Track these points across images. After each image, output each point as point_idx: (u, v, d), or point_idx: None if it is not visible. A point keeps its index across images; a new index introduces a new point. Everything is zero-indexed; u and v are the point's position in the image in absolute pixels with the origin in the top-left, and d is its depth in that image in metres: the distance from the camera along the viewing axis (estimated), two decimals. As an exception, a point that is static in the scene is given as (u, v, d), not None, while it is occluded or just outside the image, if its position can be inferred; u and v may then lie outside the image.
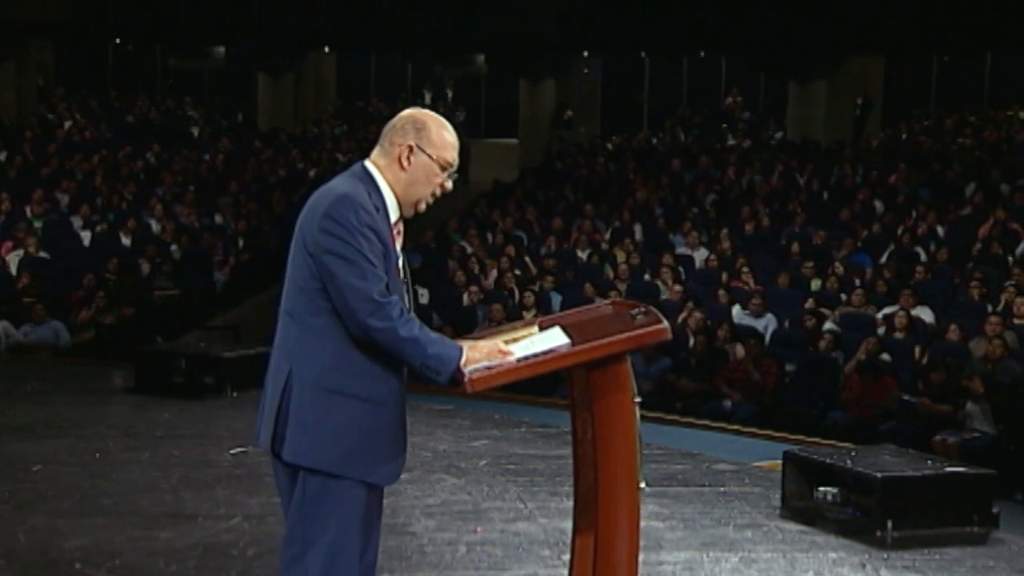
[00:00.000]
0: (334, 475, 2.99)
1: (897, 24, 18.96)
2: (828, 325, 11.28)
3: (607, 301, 3.71)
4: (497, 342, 3.18)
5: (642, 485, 3.24)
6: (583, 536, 3.37)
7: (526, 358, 3.15)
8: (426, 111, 3.17)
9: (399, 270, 3.09)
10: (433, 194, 3.13)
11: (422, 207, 3.15)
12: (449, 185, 3.14)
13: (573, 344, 3.22)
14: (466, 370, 3.14)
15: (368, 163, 3.13)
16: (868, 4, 18.87)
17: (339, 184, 3.06)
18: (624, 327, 3.26)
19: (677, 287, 12.51)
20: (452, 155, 3.12)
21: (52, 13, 20.79)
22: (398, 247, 3.09)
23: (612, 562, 3.28)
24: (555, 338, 3.28)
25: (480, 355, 3.07)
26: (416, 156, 3.08)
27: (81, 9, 21.25)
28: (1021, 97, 22.91)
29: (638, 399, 3.25)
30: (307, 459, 2.99)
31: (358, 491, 3.02)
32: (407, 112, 3.15)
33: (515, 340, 3.33)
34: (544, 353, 3.20)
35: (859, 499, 5.32)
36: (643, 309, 3.34)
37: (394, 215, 3.09)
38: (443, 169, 3.11)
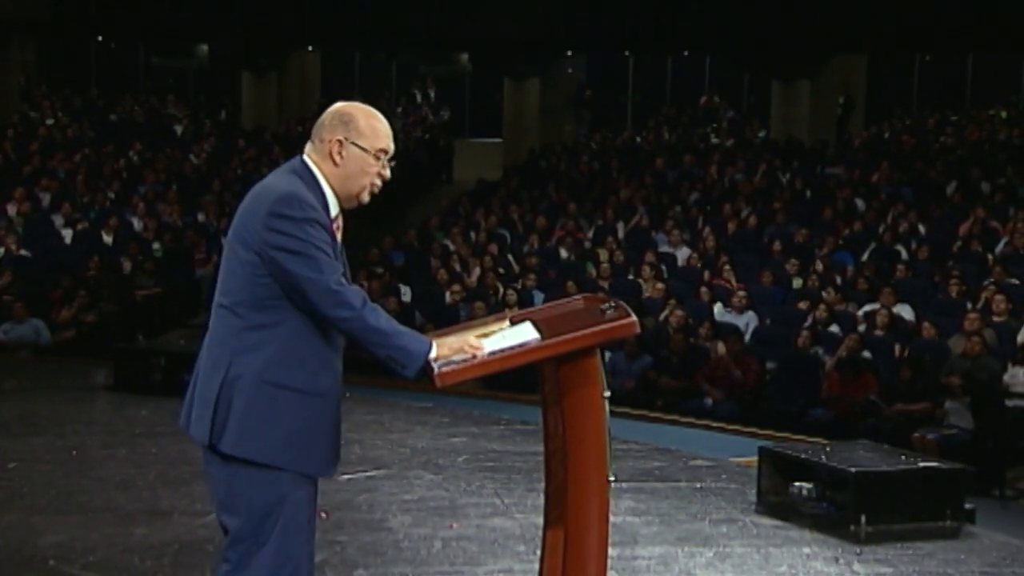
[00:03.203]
0: (278, 468, 2.97)
1: (880, 24, 19.03)
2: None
3: (578, 296, 3.72)
4: (467, 337, 3.18)
5: (611, 479, 3.26)
6: (553, 530, 3.38)
7: (495, 352, 3.16)
8: (354, 103, 3.13)
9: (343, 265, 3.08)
10: (373, 184, 3.10)
11: (365, 198, 3.11)
12: (387, 173, 3.11)
13: (543, 339, 3.23)
14: (436, 364, 3.16)
15: (306, 158, 3.08)
16: (851, 4, 18.94)
17: (279, 181, 3.02)
18: (593, 321, 3.28)
19: (659, 285, 12.54)
20: (384, 143, 3.08)
21: (34, 11, 20.69)
22: (338, 241, 3.07)
23: (582, 556, 3.30)
24: (525, 333, 3.29)
25: (449, 351, 3.07)
26: (347, 150, 3.04)
27: (63, 7, 21.15)
28: (1002, 97, 23.04)
29: (607, 393, 3.26)
30: (251, 453, 2.95)
31: (300, 484, 3.01)
32: (335, 106, 3.11)
33: (486, 335, 3.35)
34: (514, 347, 3.21)
35: (833, 494, 5.35)
36: (613, 304, 3.35)
37: (334, 210, 3.07)
38: (377, 158, 3.08)
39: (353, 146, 3.04)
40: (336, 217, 3.08)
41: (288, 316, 2.97)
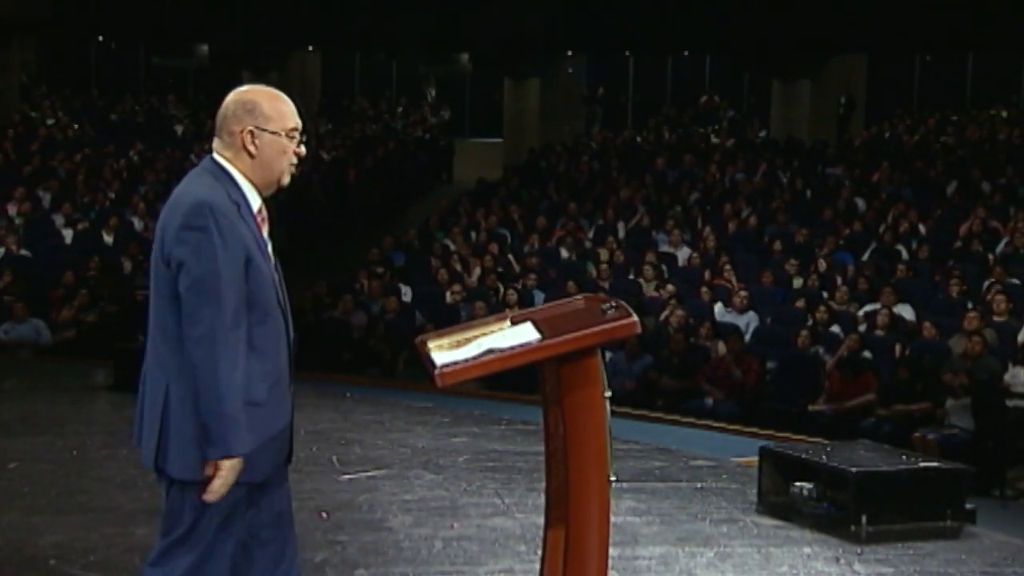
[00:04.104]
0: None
1: (880, 23, 19.04)
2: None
3: (579, 296, 3.72)
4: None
5: (612, 479, 3.26)
6: (554, 530, 3.38)
7: (491, 351, 3.17)
8: (252, 87, 3.06)
9: (268, 257, 3.01)
10: (291, 164, 3.05)
11: (285, 180, 3.05)
12: (302, 150, 3.06)
13: (544, 339, 3.24)
14: (438, 363, 3.18)
15: (217, 156, 3.01)
16: (851, 4, 18.94)
17: (194, 187, 2.95)
18: (594, 321, 3.28)
19: (670, 287, 12.45)
20: (293, 121, 3.02)
21: (35, 11, 20.71)
22: (265, 233, 3.01)
23: (583, 555, 3.30)
24: (525, 333, 3.30)
25: (228, 477, 2.86)
26: (259, 138, 2.97)
27: (64, 7, 21.18)
28: (1003, 96, 23.04)
29: (608, 393, 3.26)
30: (190, 473, 2.90)
31: (238, 494, 2.94)
32: (233, 95, 3.03)
33: (485, 335, 3.36)
34: (515, 347, 3.22)
35: (834, 494, 5.34)
36: (614, 303, 3.35)
37: (256, 203, 3.01)
38: (291, 139, 3.01)
39: (264, 133, 2.98)
40: (260, 209, 3.02)
41: None
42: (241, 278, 2.89)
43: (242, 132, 2.98)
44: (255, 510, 3.02)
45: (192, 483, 2.92)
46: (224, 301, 2.84)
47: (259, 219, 3.01)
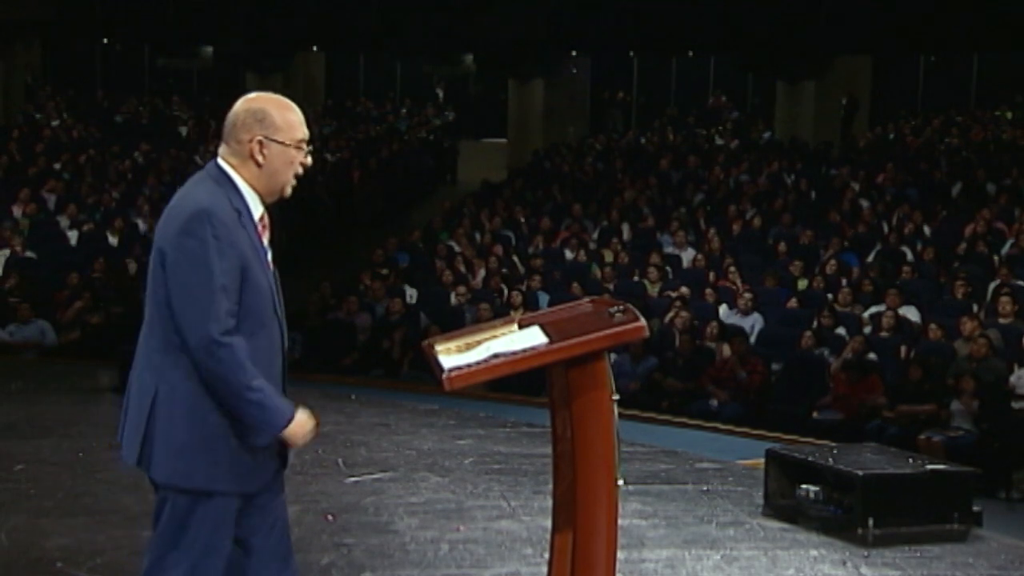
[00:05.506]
0: (204, 492, 2.90)
1: (884, 24, 19.01)
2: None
3: (587, 299, 3.72)
4: (309, 419, 3.02)
5: (620, 482, 3.25)
6: (562, 533, 3.38)
7: (499, 355, 3.17)
8: (261, 95, 3.05)
9: (267, 265, 3.00)
10: (296, 174, 3.04)
11: (288, 191, 3.05)
12: (309, 160, 3.05)
13: (551, 342, 3.24)
14: (446, 367, 3.18)
15: (222, 162, 3.00)
16: (856, 4, 18.92)
17: (196, 192, 2.94)
18: (602, 325, 3.28)
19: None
20: (302, 132, 3.02)
21: (39, 12, 20.73)
22: (265, 241, 3.01)
23: (590, 559, 3.30)
24: (533, 337, 3.30)
25: (299, 433, 2.96)
26: (268, 148, 2.97)
27: (68, 8, 21.19)
28: (1007, 97, 23.01)
29: (616, 396, 3.26)
30: (177, 479, 2.90)
31: (229, 504, 2.93)
32: (243, 103, 3.02)
33: (493, 338, 3.36)
34: (523, 351, 3.22)
35: (840, 497, 5.34)
36: (621, 307, 3.35)
37: (258, 211, 3.00)
38: (299, 149, 3.01)
39: (273, 143, 2.97)
40: (262, 217, 3.02)
41: None
42: (235, 288, 2.88)
43: (251, 141, 2.98)
44: (248, 518, 3.00)
45: (178, 490, 2.90)
46: (217, 309, 2.84)
47: (260, 227, 3.00)
